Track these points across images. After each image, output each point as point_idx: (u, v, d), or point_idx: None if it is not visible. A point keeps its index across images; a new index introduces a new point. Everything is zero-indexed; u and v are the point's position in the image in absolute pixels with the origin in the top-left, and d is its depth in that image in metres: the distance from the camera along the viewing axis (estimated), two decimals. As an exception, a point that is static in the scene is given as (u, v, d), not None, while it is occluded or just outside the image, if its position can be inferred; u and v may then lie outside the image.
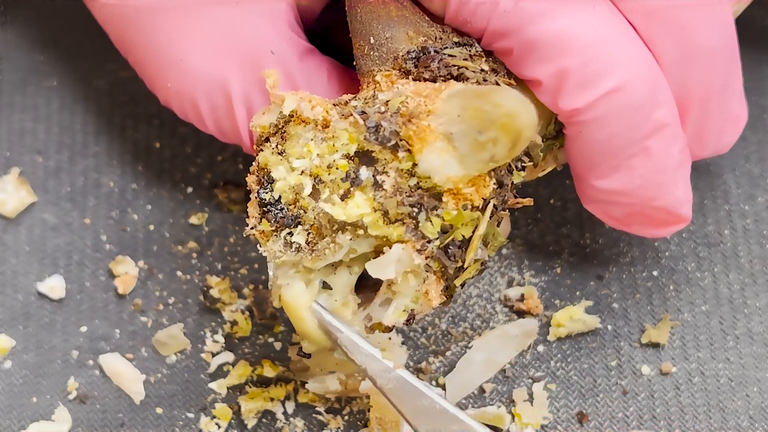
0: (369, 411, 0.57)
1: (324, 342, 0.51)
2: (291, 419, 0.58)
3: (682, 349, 0.59)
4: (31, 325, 0.60)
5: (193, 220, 0.62)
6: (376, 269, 0.49)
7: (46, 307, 0.60)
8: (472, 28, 0.51)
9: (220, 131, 0.55)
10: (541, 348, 0.59)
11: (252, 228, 0.51)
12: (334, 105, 0.50)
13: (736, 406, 0.58)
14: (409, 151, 0.48)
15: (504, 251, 0.61)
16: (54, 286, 0.60)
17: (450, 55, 0.50)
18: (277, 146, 0.50)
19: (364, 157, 0.49)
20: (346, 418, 0.58)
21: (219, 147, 0.63)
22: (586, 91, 0.51)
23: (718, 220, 0.61)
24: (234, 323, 0.60)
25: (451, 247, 0.49)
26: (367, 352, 0.51)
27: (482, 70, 0.51)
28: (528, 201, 0.53)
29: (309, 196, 0.50)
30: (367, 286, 0.51)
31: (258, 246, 0.51)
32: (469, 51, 0.51)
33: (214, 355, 0.59)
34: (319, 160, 0.49)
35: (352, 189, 0.49)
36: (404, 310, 0.50)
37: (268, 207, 0.50)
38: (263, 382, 0.58)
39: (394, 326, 0.50)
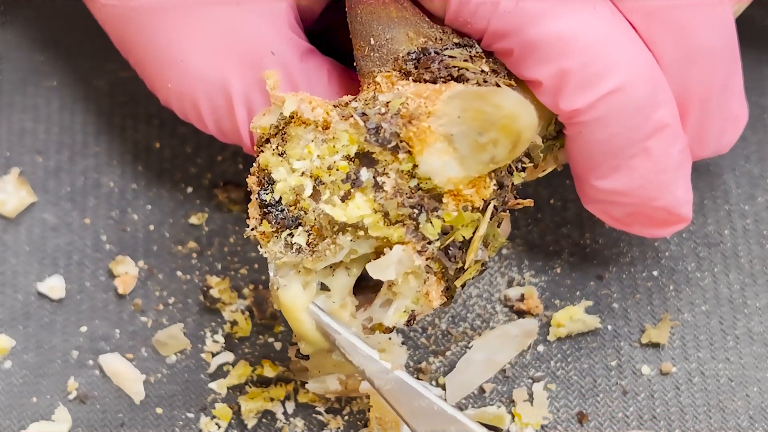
0: (369, 411, 0.57)
1: (322, 343, 0.51)
2: (291, 419, 0.58)
3: (682, 349, 0.59)
4: (31, 325, 0.60)
5: (193, 220, 0.62)
6: (376, 270, 0.49)
7: (46, 307, 0.60)
8: (473, 29, 0.51)
9: (220, 132, 0.55)
10: (541, 348, 0.59)
11: (252, 229, 0.51)
12: (334, 106, 0.50)
13: (736, 406, 0.58)
14: (409, 152, 0.48)
15: (504, 251, 0.61)
16: (54, 286, 0.60)
17: (450, 56, 0.50)
18: (277, 147, 0.50)
19: (364, 158, 0.49)
20: (346, 418, 0.58)
21: (219, 147, 0.63)
22: (586, 91, 0.51)
23: (718, 220, 0.61)
24: (234, 323, 0.60)
25: (451, 248, 0.49)
26: (365, 354, 0.51)
27: (482, 71, 0.51)
28: (528, 202, 0.53)
29: (309, 197, 0.50)
30: (367, 287, 0.51)
31: (258, 247, 0.51)
32: (470, 52, 0.51)
33: (214, 355, 0.59)
34: (320, 162, 0.49)
35: (352, 190, 0.49)
36: (405, 311, 0.50)
37: (269, 208, 0.50)
38: (263, 382, 0.58)
39: (394, 327, 0.50)
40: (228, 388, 0.58)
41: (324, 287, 0.51)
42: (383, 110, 0.48)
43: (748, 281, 0.60)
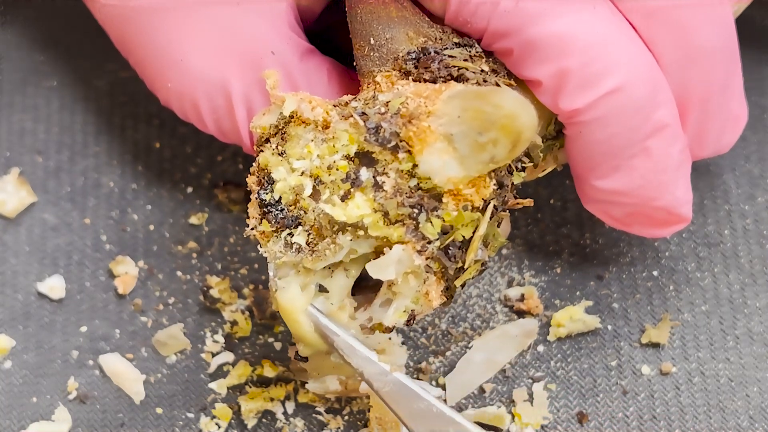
0: (369, 411, 0.57)
1: (320, 345, 0.51)
2: (291, 419, 0.58)
3: (682, 349, 0.59)
4: (31, 325, 0.60)
5: (193, 220, 0.62)
6: (376, 270, 0.49)
7: (46, 307, 0.60)
8: (473, 29, 0.51)
9: (220, 131, 0.55)
10: (541, 348, 0.59)
11: (252, 228, 0.51)
12: (334, 106, 0.50)
13: (736, 406, 0.58)
14: (409, 152, 0.48)
15: (504, 251, 0.61)
16: (54, 286, 0.60)
17: (450, 56, 0.50)
18: (277, 147, 0.50)
19: (364, 158, 0.49)
20: (346, 418, 0.58)
21: (219, 147, 0.63)
22: (586, 91, 0.51)
23: (718, 220, 0.61)
24: (234, 323, 0.60)
25: (451, 247, 0.49)
26: (363, 356, 0.51)
27: (482, 70, 0.51)
28: (528, 202, 0.53)
29: (309, 196, 0.50)
30: (366, 287, 0.51)
31: (258, 246, 0.51)
32: (470, 51, 0.51)
33: (214, 355, 0.59)
34: (320, 161, 0.49)
35: (352, 190, 0.49)
36: (404, 311, 0.50)
37: (269, 208, 0.50)
38: (263, 382, 0.58)
39: (394, 327, 0.50)
40: (228, 388, 0.58)
41: (322, 289, 0.51)
42: (383, 110, 0.48)
43: (748, 281, 0.60)
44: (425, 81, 0.50)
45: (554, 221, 0.61)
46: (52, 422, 0.58)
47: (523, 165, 0.52)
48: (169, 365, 0.59)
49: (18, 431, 0.58)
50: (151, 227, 0.61)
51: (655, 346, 0.59)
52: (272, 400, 0.58)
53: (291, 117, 0.50)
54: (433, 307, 0.49)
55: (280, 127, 0.50)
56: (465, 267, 0.50)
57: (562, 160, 0.55)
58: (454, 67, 0.50)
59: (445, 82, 0.50)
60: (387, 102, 0.49)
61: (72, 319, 0.60)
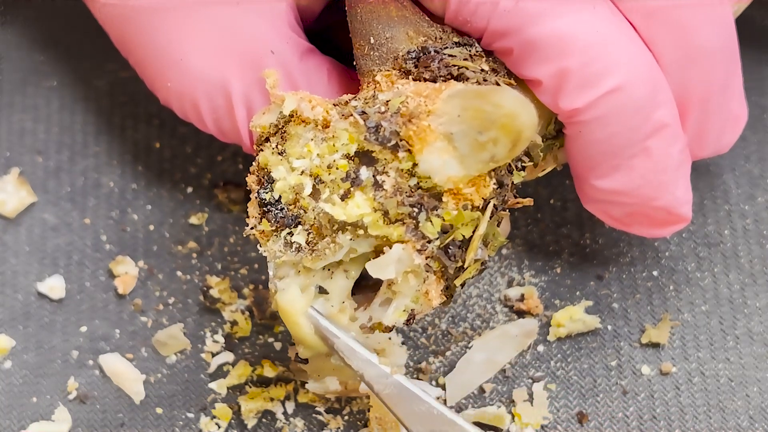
0: (369, 411, 0.57)
1: (320, 347, 0.51)
2: (291, 419, 0.58)
3: (682, 349, 0.59)
4: (31, 325, 0.60)
5: (193, 220, 0.62)
6: (376, 269, 0.49)
7: (46, 307, 0.60)
8: (473, 28, 0.51)
9: (220, 131, 0.55)
10: (541, 348, 0.59)
11: (252, 228, 0.51)
12: (334, 105, 0.50)
13: (736, 406, 0.58)
14: (409, 151, 0.48)
15: (504, 251, 0.61)
16: (54, 286, 0.60)
17: (450, 55, 0.50)
18: (277, 146, 0.50)
19: (364, 157, 0.49)
20: (346, 418, 0.58)
21: (219, 147, 0.63)
22: (586, 91, 0.51)
23: (718, 220, 0.61)
24: (234, 323, 0.60)
25: (451, 247, 0.49)
26: (363, 358, 0.51)
27: (482, 70, 0.51)
28: (528, 201, 0.53)
29: (309, 196, 0.50)
30: (366, 287, 0.51)
31: (258, 246, 0.51)
32: (469, 51, 0.51)
33: (214, 355, 0.59)
34: (320, 160, 0.49)
35: (352, 189, 0.49)
36: (404, 310, 0.50)
37: (269, 207, 0.50)
38: (263, 382, 0.58)
39: (394, 326, 0.50)
40: (228, 388, 0.58)
41: (322, 290, 0.51)
42: (383, 109, 0.48)
43: (748, 281, 0.60)
44: (425, 80, 0.50)
45: (554, 221, 0.61)
46: (52, 422, 0.58)
47: (523, 164, 0.52)
48: (169, 365, 0.59)
49: (18, 431, 0.57)
50: (151, 227, 0.61)
51: (655, 346, 0.59)
52: (272, 400, 0.58)
53: (291, 116, 0.50)
54: (433, 307, 0.49)
55: (280, 127, 0.50)
56: (465, 266, 0.50)
57: (562, 159, 0.55)
58: (454, 66, 0.50)
59: (445, 81, 0.50)
60: (387, 101, 0.49)
61: (72, 319, 0.60)
